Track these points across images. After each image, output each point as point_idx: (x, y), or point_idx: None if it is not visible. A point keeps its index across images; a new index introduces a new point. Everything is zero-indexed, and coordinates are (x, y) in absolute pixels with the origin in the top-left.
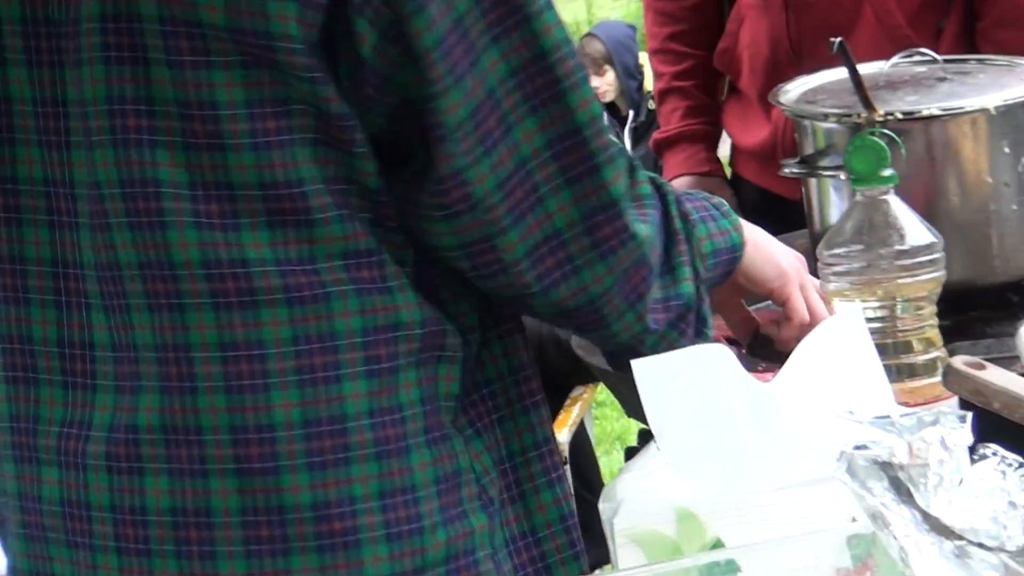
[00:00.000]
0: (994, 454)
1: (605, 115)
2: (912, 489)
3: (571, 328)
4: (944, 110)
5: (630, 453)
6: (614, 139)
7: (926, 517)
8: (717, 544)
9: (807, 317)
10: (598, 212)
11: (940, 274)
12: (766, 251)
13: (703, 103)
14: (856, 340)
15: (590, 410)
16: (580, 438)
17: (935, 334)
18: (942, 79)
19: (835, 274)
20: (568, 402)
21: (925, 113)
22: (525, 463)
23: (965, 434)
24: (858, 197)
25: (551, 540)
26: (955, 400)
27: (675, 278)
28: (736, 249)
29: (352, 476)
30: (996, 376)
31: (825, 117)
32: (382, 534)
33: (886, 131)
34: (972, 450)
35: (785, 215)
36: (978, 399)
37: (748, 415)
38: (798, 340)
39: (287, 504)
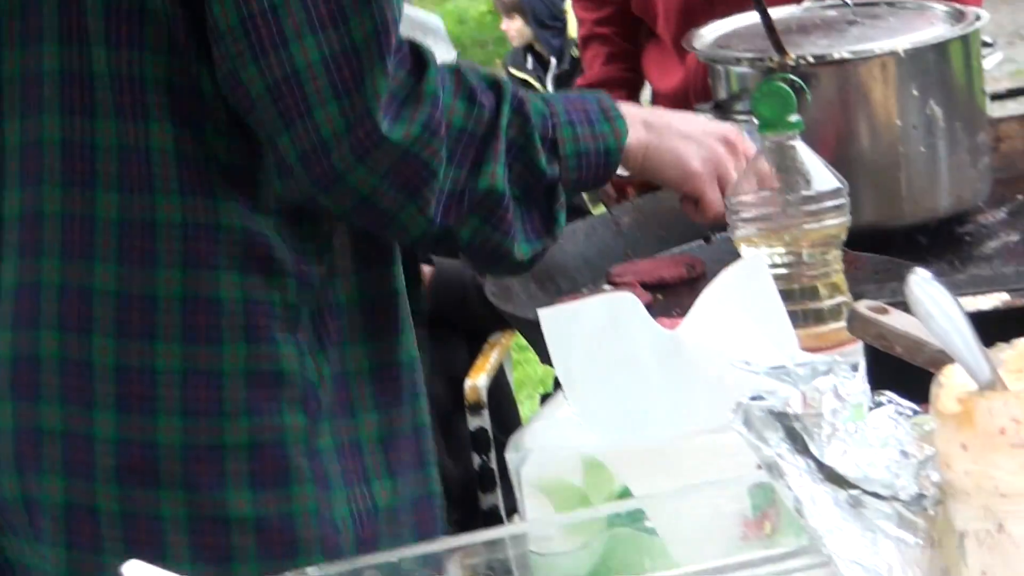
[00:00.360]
0: (889, 402)
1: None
2: (807, 439)
3: (369, 228)
4: (854, 53)
5: (546, 400)
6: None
7: (820, 467)
8: (624, 493)
9: (721, 210)
10: (357, 123)
11: (845, 219)
12: (671, 152)
13: (624, 49)
14: (760, 287)
15: (511, 355)
16: (499, 383)
17: (840, 279)
18: (852, 22)
19: (743, 220)
20: (486, 347)
21: (836, 57)
22: (364, 382)
23: (858, 383)
24: (765, 143)
25: (371, 456)
26: (859, 345)
27: (476, 173)
28: (610, 154)
29: (156, 350)
30: (898, 320)
31: (738, 62)
32: (178, 407)
33: (792, 77)
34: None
35: None
36: (881, 343)
37: (654, 363)
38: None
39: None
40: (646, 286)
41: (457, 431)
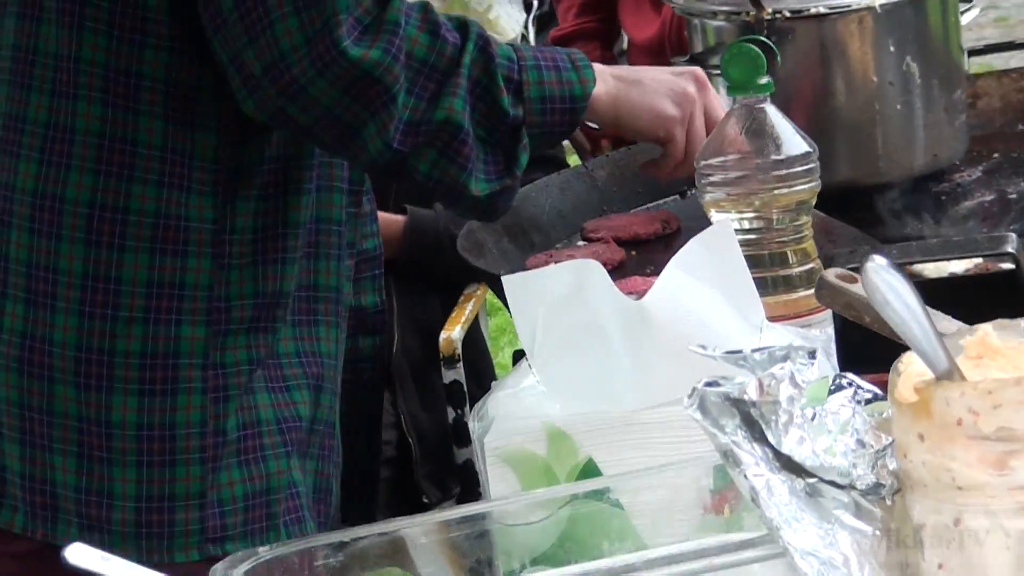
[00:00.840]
0: (849, 384)
1: None
2: (764, 427)
3: (330, 146)
4: (831, 8)
5: (517, 356)
6: None
7: (777, 455)
8: (589, 464)
9: (681, 156)
10: (316, 38)
11: (815, 184)
12: (641, 101)
13: (597, 0)
14: (728, 255)
15: (485, 308)
16: (473, 336)
17: (810, 245)
18: None
19: (711, 184)
20: (462, 299)
21: (812, 11)
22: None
23: (815, 371)
24: (734, 105)
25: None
26: (828, 313)
27: (435, 104)
28: (576, 100)
29: (60, 251)
30: None
31: (714, 15)
32: (76, 308)
33: (762, 38)
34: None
35: None
36: (850, 313)
37: (619, 333)
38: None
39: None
40: (620, 242)
41: (431, 384)
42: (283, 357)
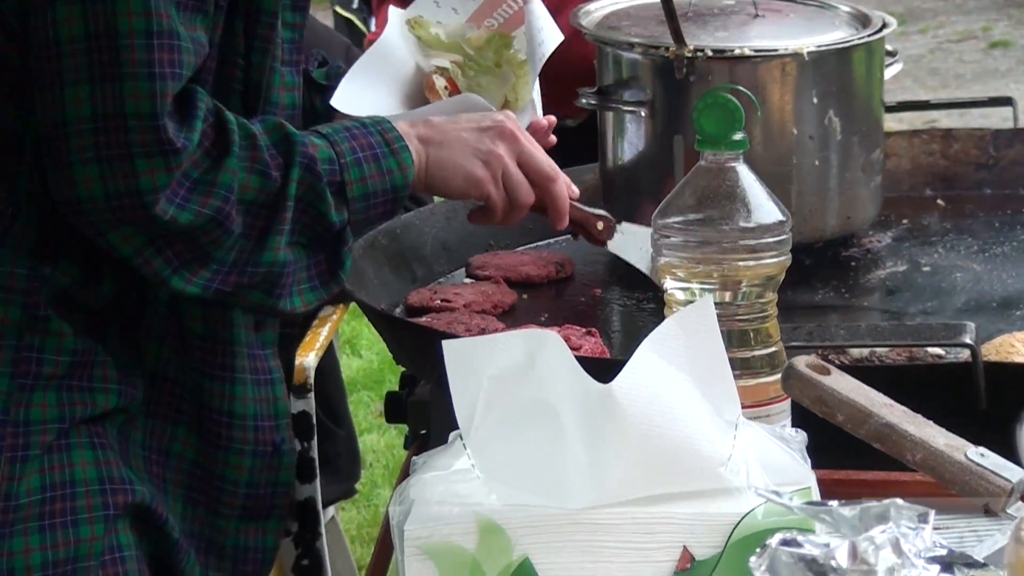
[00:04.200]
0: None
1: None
2: None
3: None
4: (756, 51)
5: (391, 399)
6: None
7: None
8: (524, 565)
9: (502, 211)
10: (120, 195)
11: (785, 258)
12: (451, 162)
13: None
14: (706, 338)
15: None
16: (327, 363)
17: (774, 325)
18: (755, 16)
19: (668, 247)
20: (316, 323)
21: (736, 52)
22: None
23: (925, 537)
24: (702, 161)
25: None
26: (787, 404)
27: (262, 246)
28: (398, 190)
29: None
30: (842, 383)
31: (630, 47)
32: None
33: (742, 89)
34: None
35: (569, 145)
36: (820, 409)
37: (576, 416)
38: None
39: None
40: (511, 283)
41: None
42: None
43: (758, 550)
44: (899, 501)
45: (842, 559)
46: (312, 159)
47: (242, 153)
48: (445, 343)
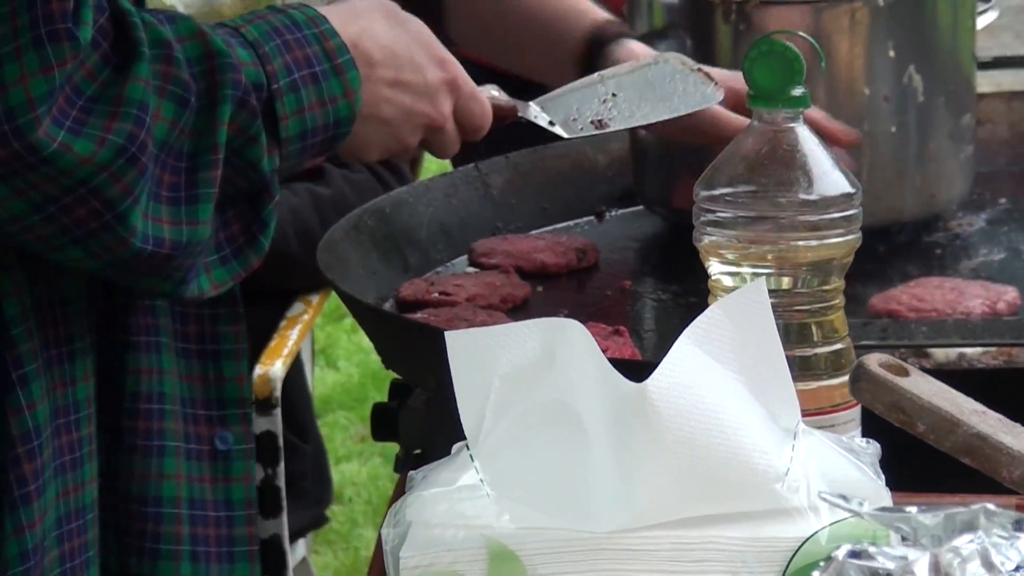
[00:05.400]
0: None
1: None
2: None
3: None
4: None
5: (378, 412)
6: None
7: None
8: None
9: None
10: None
11: (855, 237)
12: (376, 134)
13: None
14: (760, 329)
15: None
16: (294, 369)
17: (840, 319)
18: None
19: (713, 223)
20: (283, 323)
21: None
22: None
23: (1021, 547)
24: (755, 121)
25: None
26: (857, 411)
27: (180, 218)
28: (340, 125)
29: None
30: (923, 387)
31: None
32: None
33: (804, 35)
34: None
35: None
36: (897, 417)
37: (602, 422)
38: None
39: None
40: (523, 273)
41: None
42: None
43: (822, 563)
44: (990, 506)
45: (922, 574)
46: (246, 89)
47: (154, 66)
48: (449, 335)
